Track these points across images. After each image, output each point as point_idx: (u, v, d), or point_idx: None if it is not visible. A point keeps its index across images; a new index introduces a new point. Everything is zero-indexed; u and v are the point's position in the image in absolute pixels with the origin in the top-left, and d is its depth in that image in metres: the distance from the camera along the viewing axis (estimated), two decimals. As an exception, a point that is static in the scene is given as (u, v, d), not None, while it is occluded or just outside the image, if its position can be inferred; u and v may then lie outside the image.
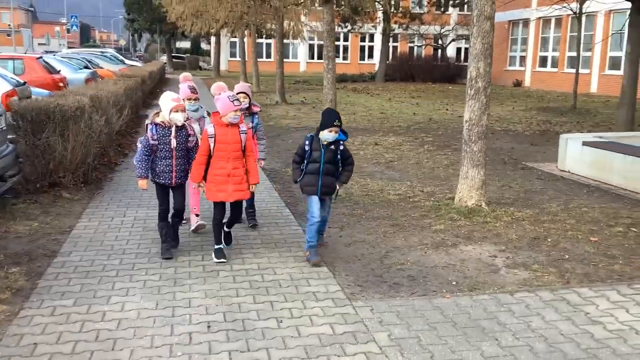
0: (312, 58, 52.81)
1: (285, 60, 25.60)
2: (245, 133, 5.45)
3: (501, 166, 10.47)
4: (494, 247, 6.04)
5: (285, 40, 27.72)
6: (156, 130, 5.40)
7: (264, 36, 39.52)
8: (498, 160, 10.96)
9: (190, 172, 5.52)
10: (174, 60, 58.22)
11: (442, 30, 41.07)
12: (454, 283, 5.11)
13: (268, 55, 50.75)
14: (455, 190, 7.72)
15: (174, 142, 5.43)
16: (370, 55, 52.07)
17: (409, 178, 9.33)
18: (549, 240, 6.28)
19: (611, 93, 26.20)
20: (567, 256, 5.80)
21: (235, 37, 40.41)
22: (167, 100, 5.37)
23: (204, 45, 73.34)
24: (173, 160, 5.48)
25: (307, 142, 5.54)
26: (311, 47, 51.96)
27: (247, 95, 6.21)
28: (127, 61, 37.87)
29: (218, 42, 44.15)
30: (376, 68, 41.58)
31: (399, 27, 39.69)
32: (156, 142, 5.41)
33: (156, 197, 5.70)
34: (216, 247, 5.59)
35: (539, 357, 3.86)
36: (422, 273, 5.33)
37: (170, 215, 5.70)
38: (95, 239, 6.10)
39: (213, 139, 5.33)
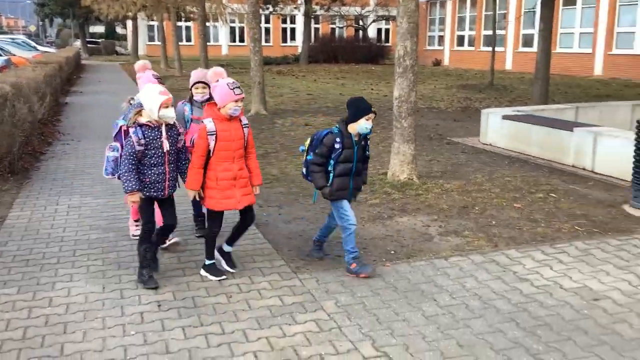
0: (234, 41, 52.23)
1: (207, 43, 25.23)
2: (248, 127, 4.68)
3: (428, 142, 10.87)
4: (427, 217, 6.34)
5: (206, 23, 27.30)
6: (143, 133, 4.39)
7: (183, 19, 38.65)
8: (425, 136, 11.36)
9: (187, 179, 4.59)
10: (88, 45, 56.10)
11: (363, 11, 41.57)
12: (393, 252, 5.36)
13: (188, 39, 49.78)
14: (388, 166, 8.00)
15: (166, 145, 4.47)
16: (293, 38, 52.06)
17: (341, 156, 9.53)
18: (477, 208, 6.66)
19: (525, 69, 27.47)
20: (494, 222, 6.18)
21: (154, 20, 39.43)
22: (153, 94, 4.41)
23: (119, 30, 70.94)
24: (166, 167, 4.50)
25: (337, 140, 4.69)
26: (233, 30, 51.35)
27: (207, 85, 5.33)
28: (39, 48, 36.26)
29: (135, 26, 42.90)
30: (299, 50, 41.65)
31: (320, 9, 39.86)
32: (143, 148, 4.39)
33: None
34: (209, 262, 4.80)
35: (474, 313, 4.16)
36: (362, 245, 5.55)
37: (156, 232, 4.72)
38: (30, 228, 5.96)
39: (214, 136, 4.46)
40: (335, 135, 4.71)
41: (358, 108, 4.71)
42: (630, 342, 3.74)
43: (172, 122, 4.52)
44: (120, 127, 4.61)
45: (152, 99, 4.39)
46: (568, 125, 9.04)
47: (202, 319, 4.06)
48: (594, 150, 8.32)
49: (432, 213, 6.48)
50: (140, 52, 46.99)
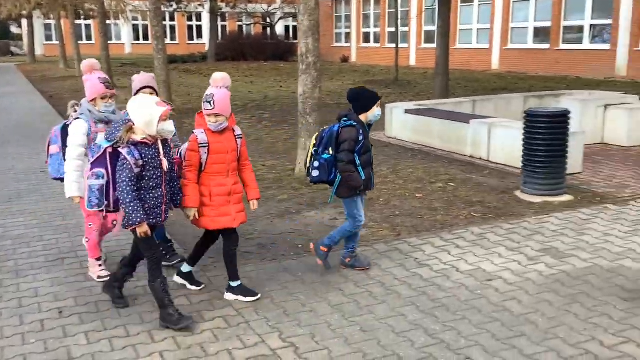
0: (138, 39, 50.73)
1: (109, 42, 24.42)
2: (242, 138, 4.42)
3: (335, 137, 11.05)
4: (334, 210, 6.49)
5: (107, 21, 26.42)
6: (140, 153, 3.80)
7: (82, 17, 37.16)
8: (331, 131, 11.55)
9: (185, 196, 4.14)
10: (-20, 46, 52.85)
11: (270, 9, 41.57)
12: (300, 246, 5.46)
13: (89, 38, 47.92)
14: (296, 162, 8.10)
15: (165, 164, 3.91)
16: (199, 35, 51.22)
17: (250, 154, 9.50)
18: (382, 199, 6.88)
19: (428, 65, 28.37)
20: (397, 212, 6.42)
21: (51, 19, 37.71)
22: (150, 105, 3.83)
23: (14, 29, 67.21)
24: (163, 188, 3.96)
25: (360, 132, 4.58)
26: (136, 27, 49.88)
27: (154, 90, 4.81)
28: None
29: (31, 25, 40.79)
30: (206, 48, 41.08)
31: (226, 6, 39.48)
32: (140, 170, 3.80)
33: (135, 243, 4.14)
34: (235, 284, 4.40)
35: (377, 299, 4.32)
36: (271, 240, 5.62)
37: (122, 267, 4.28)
38: None
39: (206, 148, 4.13)
40: (357, 127, 4.58)
41: (368, 97, 4.67)
42: (518, 318, 4.02)
43: (169, 137, 4.00)
44: (105, 149, 3.88)
45: (149, 111, 3.79)
46: (465, 118, 9.49)
47: (105, 324, 3.99)
48: (489, 140, 8.78)
49: (339, 207, 6.60)
50: (38, 52, 44.77)
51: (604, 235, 5.58)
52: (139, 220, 3.79)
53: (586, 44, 22.94)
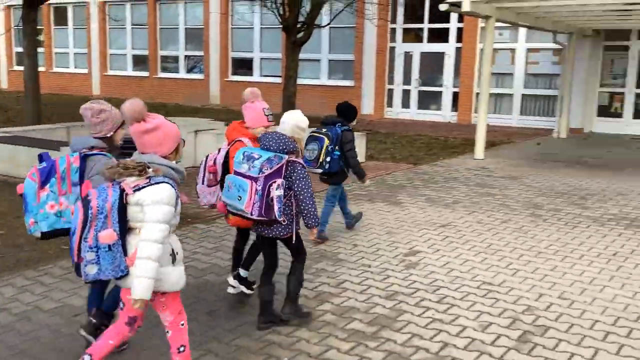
0: None
1: None
2: None
3: None
4: None
5: None
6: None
7: None
8: None
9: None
10: None
11: None
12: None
13: None
14: None
15: None
16: None
17: None
18: (-47, 241, 5.96)
19: (22, 88, 26.26)
20: (-26, 254, 5.63)
21: None
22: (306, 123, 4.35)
23: None
24: None
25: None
26: None
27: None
28: None
29: None
30: None
31: None
32: None
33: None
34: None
35: (-61, 361, 3.68)
36: None
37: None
38: None
39: None
40: (352, 131, 6.15)
41: (354, 110, 6.17)
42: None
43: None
44: (285, 160, 3.94)
45: (305, 125, 4.27)
46: (55, 145, 8.97)
47: None
48: (83, 167, 8.46)
49: None
50: None
51: (193, 253, 5.88)
52: (317, 221, 4.16)
53: (183, 74, 24.35)
